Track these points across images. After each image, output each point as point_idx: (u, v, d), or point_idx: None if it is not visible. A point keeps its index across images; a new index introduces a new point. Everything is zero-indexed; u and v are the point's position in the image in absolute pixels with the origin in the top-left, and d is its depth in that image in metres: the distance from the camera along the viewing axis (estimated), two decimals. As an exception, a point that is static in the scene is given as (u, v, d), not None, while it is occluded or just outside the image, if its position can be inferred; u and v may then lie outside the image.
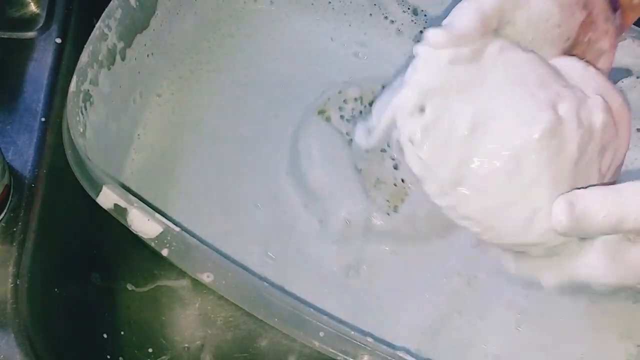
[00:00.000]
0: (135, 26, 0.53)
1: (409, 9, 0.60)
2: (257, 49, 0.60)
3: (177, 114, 0.57)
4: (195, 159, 0.55)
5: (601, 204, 0.32)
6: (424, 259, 0.52)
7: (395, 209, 0.52)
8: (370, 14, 0.61)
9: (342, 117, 0.56)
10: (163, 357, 0.53)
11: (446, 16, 0.41)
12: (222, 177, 0.54)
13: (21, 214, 0.47)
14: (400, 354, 0.40)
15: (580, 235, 0.34)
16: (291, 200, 0.54)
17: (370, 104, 0.56)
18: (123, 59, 0.52)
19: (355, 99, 0.57)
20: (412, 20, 0.60)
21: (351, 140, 0.54)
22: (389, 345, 0.40)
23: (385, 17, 0.61)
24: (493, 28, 0.36)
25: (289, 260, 0.52)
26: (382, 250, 0.52)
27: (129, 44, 0.53)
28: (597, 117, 0.35)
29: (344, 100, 0.56)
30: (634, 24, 0.51)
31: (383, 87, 0.56)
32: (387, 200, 0.52)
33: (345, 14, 0.61)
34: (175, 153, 0.55)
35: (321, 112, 0.56)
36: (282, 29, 0.61)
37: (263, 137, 0.56)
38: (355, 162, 0.53)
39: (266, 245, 0.52)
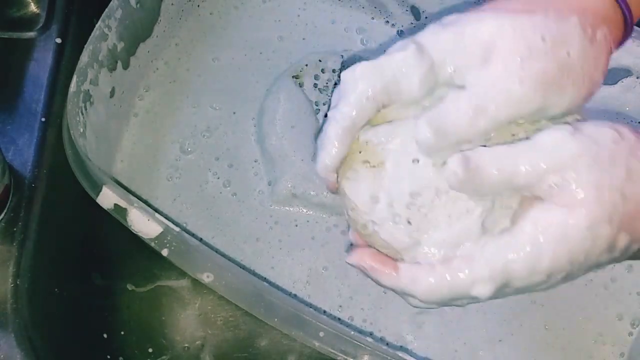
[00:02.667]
0: (137, 32, 0.53)
1: (407, 10, 0.60)
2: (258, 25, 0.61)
3: (176, 113, 0.57)
4: (189, 159, 0.55)
5: (495, 159, 0.33)
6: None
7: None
8: (373, 18, 0.61)
9: (315, 85, 0.56)
10: (163, 357, 0.53)
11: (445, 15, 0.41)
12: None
13: (21, 214, 0.47)
14: (400, 353, 0.40)
15: (475, 191, 0.34)
16: (249, 157, 0.55)
17: None
18: (126, 65, 0.53)
19: (334, 70, 0.57)
20: (411, 23, 0.60)
21: (318, 110, 0.55)
22: (389, 345, 0.40)
23: (387, 22, 0.61)
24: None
25: (229, 218, 0.53)
26: (317, 220, 0.54)
27: (133, 52, 0.54)
28: None
29: (322, 70, 0.57)
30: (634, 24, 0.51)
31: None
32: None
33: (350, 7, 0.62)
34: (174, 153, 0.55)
35: (295, 77, 0.56)
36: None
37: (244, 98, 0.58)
38: (316, 132, 0.54)
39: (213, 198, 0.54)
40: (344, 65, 0.58)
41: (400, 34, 0.61)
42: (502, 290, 0.34)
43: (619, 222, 0.32)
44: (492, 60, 0.34)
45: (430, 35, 0.35)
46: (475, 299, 0.34)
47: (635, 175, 0.32)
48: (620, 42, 0.38)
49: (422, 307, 0.36)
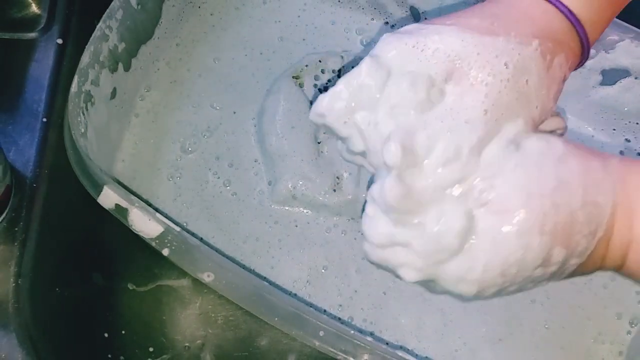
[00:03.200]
0: (138, 33, 0.53)
1: (407, 11, 0.60)
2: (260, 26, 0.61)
3: (177, 113, 0.57)
4: (190, 159, 0.55)
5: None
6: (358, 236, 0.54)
7: (340, 187, 0.53)
8: (372, 18, 0.61)
9: (315, 85, 0.56)
10: (164, 357, 0.53)
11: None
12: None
13: (23, 214, 0.47)
14: (400, 353, 0.40)
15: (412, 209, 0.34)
16: (249, 157, 0.55)
17: None
18: (128, 67, 0.53)
19: (333, 71, 0.57)
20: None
21: None
22: (389, 344, 0.41)
23: (387, 22, 0.61)
24: None
25: (229, 218, 0.54)
26: (317, 220, 0.54)
27: (134, 54, 0.54)
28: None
29: (322, 70, 0.57)
30: (632, 25, 0.52)
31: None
32: (337, 177, 0.53)
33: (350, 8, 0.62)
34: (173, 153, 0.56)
35: (295, 77, 0.56)
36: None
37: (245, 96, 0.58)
38: (316, 133, 0.54)
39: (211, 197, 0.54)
40: (344, 66, 0.58)
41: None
42: (428, 284, 0.34)
43: (551, 232, 0.31)
44: (458, 82, 0.34)
45: (385, 46, 0.36)
46: (399, 277, 0.34)
47: (566, 184, 0.32)
48: (575, 67, 0.38)
49: (368, 258, 0.36)
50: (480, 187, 0.32)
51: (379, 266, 0.36)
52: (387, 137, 0.33)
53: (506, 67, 0.34)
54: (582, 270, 0.34)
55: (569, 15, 0.36)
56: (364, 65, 0.35)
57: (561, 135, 0.38)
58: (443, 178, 0.33)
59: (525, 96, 0.34)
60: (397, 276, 0.35)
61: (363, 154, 0.37)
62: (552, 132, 0.37)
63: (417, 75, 0.34)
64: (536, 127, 0.35)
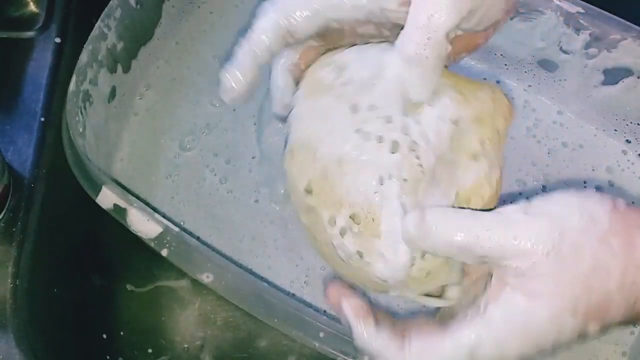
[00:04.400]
0: (137, 33, 0.53)
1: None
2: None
3: (176, 111, 0.57)
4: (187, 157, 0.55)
5: (455, 225, 0.31)
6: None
7: None
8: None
9: None
10: (163, 358, 0.53)
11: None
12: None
13: (20, 214, 0.47)
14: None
15: (426, 250, 0.32)
16: (248, 154, 0.55)
17: None
18: (127, 69, 0.53)
19: None
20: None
21: None
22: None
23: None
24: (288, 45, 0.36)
25: (226, 216, 0.53)
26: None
27: (134, 56, 0.54)
28: None
29: None
30: (634, 23, 0.51)
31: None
32: None
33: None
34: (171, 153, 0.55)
35: None
36: None
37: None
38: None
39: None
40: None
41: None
42: None
43: (584, 314, 0.30)
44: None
45: None
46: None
47: (604, 268, 0.30)
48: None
49: None
50: (507, 263, 0.31)
51: None
52: None
53: None
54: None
55: None
56: None
57: None
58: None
59: None
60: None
61: None
62: None
63: None
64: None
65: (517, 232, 0.30)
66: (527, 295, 0.30)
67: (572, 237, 0.30)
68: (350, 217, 0.34)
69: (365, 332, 0.34)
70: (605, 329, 0.31)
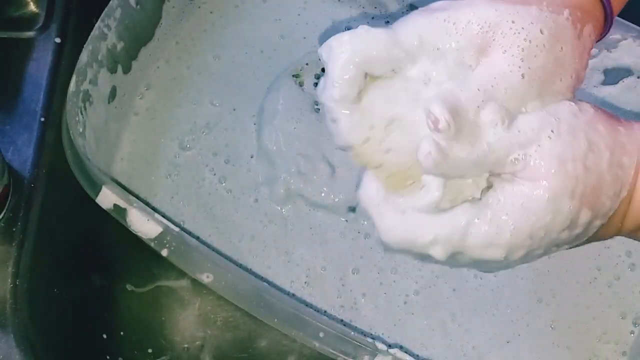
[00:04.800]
0: (137, 34, 0.53)
1: (407, 10, 0.60)
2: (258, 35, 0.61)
3: (176, 111, 0.57)
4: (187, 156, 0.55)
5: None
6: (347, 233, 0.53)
7: (338, 186, 0.52)
8: (373, 17, 0.61)
9: (315, 84, 0.56)
10: (163, 358, 0.53)
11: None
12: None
13: (20, 214, 0.47)
14: (400, 354, 0.40)
15: (447, 172, 0.33)
16: (248, 154, 0.55)
17: None
18: (127, 70, 0.53)
19: None
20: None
21: (318, 109, 0.55)
22: (391, 346, 0.40)
23: (387, 22, 0.61)
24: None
25: (225, 216, 0.53)
26: (315, 219, 0.53)
27: (134, 57, 0.54)
28: None
29: (322, 69, 0.57)
30: (633, 23, 0.51)
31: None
32: (335, 177, 0.53)
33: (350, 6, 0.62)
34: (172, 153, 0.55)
35: (296, 76, 0.56)
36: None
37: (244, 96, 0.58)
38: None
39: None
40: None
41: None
42: (456, 257, 0.34)
43: (580, 196, 0.32)
44: (493, 51, 0.34)
45: (412, 21, 0.35)
46: (430, 257, 0.34)
47: (596, 147, 0.33)
48: (599, 39, 0.39)
49: (386, 247, 0.35)
50: (514, 156, 0.33)
51: (399, 251, 0.35)
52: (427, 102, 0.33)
53: (542, 33, 0.34)
54: (603, 233, 0.35)
55: None
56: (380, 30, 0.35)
57: None
58: (481, 151, 0.33)
59: (561, 63, 0.35)
60: (424, 257, 0.35)
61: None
62: None
63: (450, 49, 0.34)
64: (572, 95, 0.36)
65: (519, 125, 0.33)
66: (530, 180, 0.32)
67: (567, 120, 0.33)
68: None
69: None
70: (592, 221, 0.33)
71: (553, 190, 0.32)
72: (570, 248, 0.35)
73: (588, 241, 0.35)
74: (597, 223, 0.34)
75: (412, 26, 0.35)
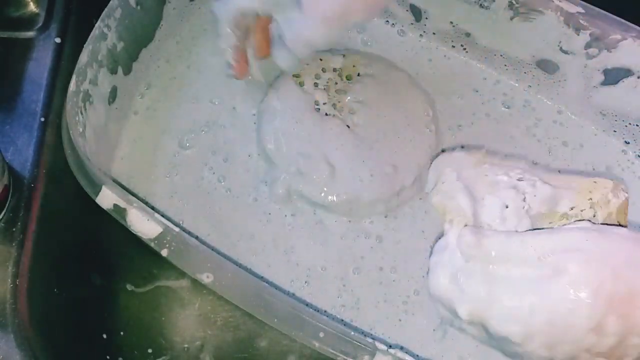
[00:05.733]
0: (138, 35, 0.53)
1: (407, 10, 0.60)
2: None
3: (176, 109, 0.57)
4: (188, 155, 0.55)
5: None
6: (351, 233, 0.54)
7: (338, 186, 0.52)
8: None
9: (315, 84, 0.56)
10: (163, 358, 0.53)
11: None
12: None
13: (20, 214, 0.47)
14: (400, 354, 0.40)
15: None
16: (247, 153, 0.55)
17: (348, 77, 0.57)
18: (128, 70, 0.53)
19: (334, 70, 0.57)
20: (412, 23, 0.60)
21: (318, 109, 0.54)
22: (392, 346, 0.40)
23: (387, 22, 0.61)
24: None
25: (224, 215, 0.53)
26: (315, 219, 0.53)
27: (135, 58, 0.54)
28: None
29: (323, 69, 0.57)
30: (634, 23, 0.51)
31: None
32: (335, 177, 0.53)
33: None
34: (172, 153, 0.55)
35: (296, 76, 0.56)
36: None
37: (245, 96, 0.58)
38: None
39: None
40: (344, 65, 0.57)
41: (401, 33, 0.61)
42: (477, 326, 0.39)
43: (605, 299, 0.33)
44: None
45: None
46: (458, 318, 0.39)
47: (634, 264, 0.34)
48: None
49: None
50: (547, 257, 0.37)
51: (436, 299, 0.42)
52: None
53: None
54: None
55: None
56: None
57: None
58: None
59: None
60: (454, 316, 0.40)
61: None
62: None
63: None
64: None
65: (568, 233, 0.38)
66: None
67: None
68: None
69: None
70: (625, 334, 0.34)
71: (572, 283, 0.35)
72: None
73: None
74: (636, 341, 0.34)
75: None
